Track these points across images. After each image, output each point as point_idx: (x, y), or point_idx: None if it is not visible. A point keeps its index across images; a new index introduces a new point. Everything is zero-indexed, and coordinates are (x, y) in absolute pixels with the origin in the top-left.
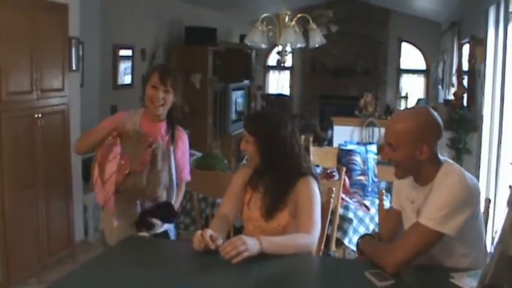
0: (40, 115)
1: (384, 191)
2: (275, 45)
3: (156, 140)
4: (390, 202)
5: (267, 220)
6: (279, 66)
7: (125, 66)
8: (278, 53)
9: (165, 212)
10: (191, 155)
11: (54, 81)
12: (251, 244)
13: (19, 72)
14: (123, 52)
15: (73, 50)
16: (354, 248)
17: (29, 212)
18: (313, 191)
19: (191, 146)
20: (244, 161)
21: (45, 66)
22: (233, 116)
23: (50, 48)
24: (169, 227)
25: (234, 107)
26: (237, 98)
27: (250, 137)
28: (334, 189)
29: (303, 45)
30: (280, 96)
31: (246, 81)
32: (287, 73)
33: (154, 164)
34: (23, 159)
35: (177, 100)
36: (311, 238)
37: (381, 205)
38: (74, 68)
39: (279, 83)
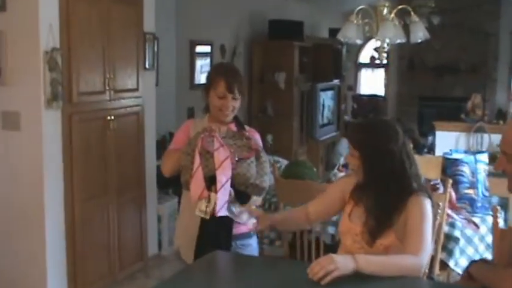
0: (113, 117)
1: (498, 207)
2: (368, 40)
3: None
4: (505, 220)
5: (369, 241)
6: (373, 64)
7: (202, 64)
8: (375, 49)
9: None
10: (275, 161)
11: (128, 81)
12: (342, 263)
13: (91, 70)
14: (200, 48)
15: (148, 46)
16: (460, 272)
17: (99, 222)
18: (425, 210)
19: (274, 152)
20: (335, 170)
21: (118, 64)
22: (321, 120)
23: (124, 45)
24: (250, 241)
25: (322, 110)
26: (326, 99)
27: (354, 150)
28: (440, 204)
29: (403, 40)
30: (373, 97)
31: (336, 81)
32: (381, 71)
33: (258, 155)
34: (94, 165)
35: (245, 102)
36: (420, 260)
37: (495, 223)
38: (148, 66)
39: (372, 83)
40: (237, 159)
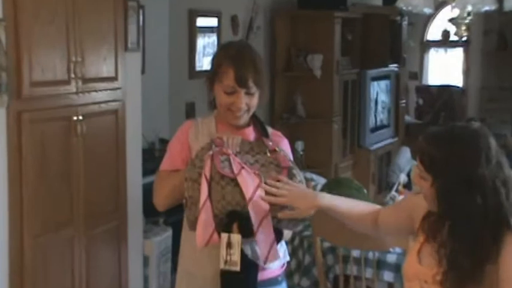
0: (81, 117)
1: None
2: (440, 9)
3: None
4: None
5: None
6: (447, 42)
7: (205, 43)
8: (451, 21)
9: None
10: (308, 179)
11: (103, 66)
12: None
13: (50, 52)
14: (203, 21)
15: (130, 18)
16: None
17: (59, 264)
18: None
19: (307, 167)
20: (393, 192)
21: (88, 43)
22: (372, 121)
23: (97, 16)
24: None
25: (373, 107)
26: (379, 92)
27: (426, 173)
28: None
29: (492, 7)
30: (446, 88)
31: (393, 66)
32: (459, 52)
33: (290, 173)
34: (54, 184)
35: (265, 97)
36: None
37: None
38: (131, 45)
39: (444, 69)
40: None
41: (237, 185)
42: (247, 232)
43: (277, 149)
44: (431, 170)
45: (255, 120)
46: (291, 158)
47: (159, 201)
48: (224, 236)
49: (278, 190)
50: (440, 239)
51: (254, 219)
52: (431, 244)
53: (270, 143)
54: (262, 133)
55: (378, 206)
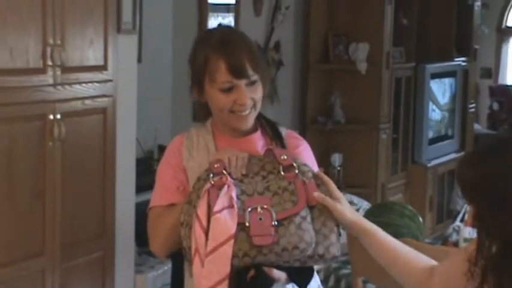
0: (59, 116)
1: None
2: None
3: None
4: None
5: None
6: None
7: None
8: None
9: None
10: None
11: (88, 52)
12: None
13: (20, 32)
14: None
15: None
16: None
17: None
18: None
19: (346, 186)
20: (457, 222)
21: (70, 23)
22: (431, 130)
23: None
24: None
25: (432, 111)
26: (440, 92)
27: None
28: None
29: None
30: None
31: (460, 60)
32: None
33: (310, 199)
34: (22, 202)
35: (267, 86)
36: None
37: None
38: (124, 26)
39: None
40: (275, 222)
41: (243, 229)
42: (265, 285)
43: (294, 164)
44: (470, 197)
45: (261, 121)
46: (314, 166)
47: (157, 248)
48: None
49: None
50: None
51: (211, 277)
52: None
53: (285, 157)
54: (273, 137)
55: (428, 260)
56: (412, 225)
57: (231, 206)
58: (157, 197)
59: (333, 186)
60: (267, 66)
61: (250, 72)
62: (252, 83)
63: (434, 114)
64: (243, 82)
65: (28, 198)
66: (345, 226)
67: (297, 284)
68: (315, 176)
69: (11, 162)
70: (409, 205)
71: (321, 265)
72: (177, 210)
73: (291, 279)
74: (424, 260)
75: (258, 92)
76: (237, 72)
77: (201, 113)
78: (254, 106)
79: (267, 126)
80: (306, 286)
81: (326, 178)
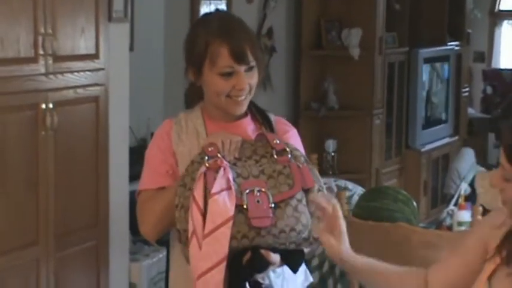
0: (51, 105)
1: None
2: None
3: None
4: None
5: None
6: None
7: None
8: None
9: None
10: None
11: (80, 41)
12: None
13: (11, 21)
14: None
15: None
16: None
17: None
18: None
19: (340, 172)
20: (451, 206)
21: (62, 11)
22: (425, 115)
23: None
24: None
25: (426, 96)
26: (434, 77)
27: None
28: None
29: None
30: None
31: (453, 44)
32: None
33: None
34: (16, 192)
35: (262, 73)
36: None
37: None
38: (116, 14)
39: None
40: (272, 205)
41: (241, 211)
42: (261, 268)
43: (287, 148)
44: None
45: (251, 107)
46: (302, 152)
47: (147, 230)
48: None
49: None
50: None
51: (209, 259)
52: (508, 269)
53: (277, 141)
54: (263, 122)
55: (419, 270)
56: (406, 209)
57: (228, 188)
58: (146, 181)
59: (340, 220)
60: (262, 52)
61: (250, 58)
62: (250, 68)
63: (428, 98)
64: (243, 68)
65: (21, 188)
66: (337, 263)
67: (290, 267)
68: (307, 161)
69: (4, 152)
70: (403, 190)
71: (314, 247)
72: (167, 194)
73: (283, 262)
74: (417, 271)
75: (254, 78)
76: (239, 57)
77: (193, 97)
78: (250, 91)
79: (257, 112)
80: (298, 269)
81: (339, 213)
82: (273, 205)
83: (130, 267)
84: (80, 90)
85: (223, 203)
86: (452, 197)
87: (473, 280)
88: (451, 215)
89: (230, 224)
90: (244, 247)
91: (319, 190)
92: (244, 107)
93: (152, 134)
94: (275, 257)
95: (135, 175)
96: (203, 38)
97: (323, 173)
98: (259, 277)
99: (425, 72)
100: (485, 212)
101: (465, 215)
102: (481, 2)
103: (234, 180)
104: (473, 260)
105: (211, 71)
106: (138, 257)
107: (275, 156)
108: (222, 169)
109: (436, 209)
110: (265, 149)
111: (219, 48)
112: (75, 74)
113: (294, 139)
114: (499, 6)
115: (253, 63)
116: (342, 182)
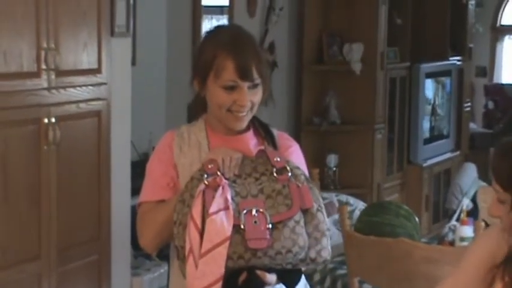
0: (53, 120)
1: None
2: None
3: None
4: None
5: None
6: None
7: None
8: None
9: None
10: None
11: (82, 55)
12: None
13: (14, 35)
14: (210, 0)
15: None
16: None
17: None
18: None
19: (342, 187)
20: (453, 221)
21: (65, 26)
22: (427, 130)
23: None
24: None
25: (428, 111)
26: (436, 91)
27: (504, 193)
28: None
29: None
30: None
31: (455, 59)
32: None
33: (304, 202)
34: (18, 206)
35: (267, 91)
36: None
37: None
38: (118, 29)
39: None
40: (269, 226)
41: (238, 231)
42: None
43: (287, 167)
44: (508, 187)
45: (254, 121)
46: (305, 170)
47: (147, 243)
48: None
49: None
50: None
51: (204, 279)
52: None
53: (278, 159)
54: (265, 137)
55: None
56: (407, 224)
57: (226, 208)
58: (147, 193)
59: None
60: (269, 70)
61: (255, 75)
62: (255, 86)
63: (431, 113)
64: (246, 84)
65: (23, 202)
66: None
67: (286, 286)
68: (307, 179)
69: (6, 167)
70: (405, 205)
71: (311, 267)
72: (167, 207)
73: (280, 280)
74: None
75: (257, 96)
76: (244, 73)
77: (197, 108)
78: (251, 109)
79: (260, 126)
80: (295, 287)
81: None
82: (270, 226)
83: (132, 281)
84: (82, 105)
85: (221, 223)
86: (454, 212)
87: None
88: (453, 230)
89: (227, 244)
90: (240, 268)
91: (318, 210)
92: (244, 123)
93: (154, 149)
94: (271, 278)
95: (137, 189)
96: (212, 49)
97: (324, 187)
98: None
99: (430, 87)
100: (488, 227)
101: (467, 230)
102: (483, 17)
103: (232, 199)
104: (483, 272)
105: (215, 83)
106: (139, 272)
107: (275, 175)
108: (220, 188)
109: (438, 224)
110: (265, 166)
111: (224, 61)
112: (78, 88)
113: (296, 155)
114: (500, 21)
115: (257, 80)
116: (344, 197)
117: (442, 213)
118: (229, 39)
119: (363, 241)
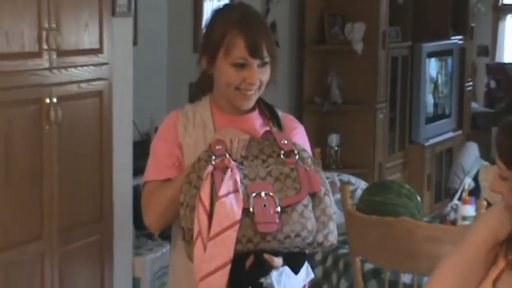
0: (55, 99)
1: None
2: None
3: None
4: None
5: None
6: None
7: (214, 8)
8: None
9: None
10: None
11: (84, 35)
12: None
13: (15, 16)
14: None
15: None
16: None
17: (26, 286)
18: None
19: (343, 167)
20: (455, 201)
21: (65, 6)
22: (428, 109)
23: None
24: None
25: (429, 91)
26: (437, 71)
27: (507, 170)
28: None
29: None
30: None
31: (457, 38)
32: None
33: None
34: (20, 186)
35: (276, 70)
36: None
37: None
38: (119, 9)
39: None
40: (278, 209)
41: (248, 214)
42: (264, 272)
43: (295, 150)
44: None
45: (259, 101)
46: (309, 152)
47: (151, 222)
48: None
49: None
50: None
51: (213, 262)
52: None
53: (285, 142)
54: (271, 118)
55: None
56: (409, 204)
57: (236, 191)
58: (152, 172)
59: None
60: (277, 51)
61: (265, 53)
62: (264, 64)
63: (432, 93)
64: (256, 62)
65: (25, 182)
66: None
67: (291, 268)
68: (314, 163)
69: (8, 147)
70: (406, 184)
71: (317, 251)
72: (173, 186)
73: (285, 263)
74: None
75: (266, 74)
76: (254, 51)
77: (204, 86)
78: (260, 87)
79: (265, 107)
80: (299, 270)
81: None
82: (278, 209)
83: (134, 261)
84: (83, 85)
85: (231, 206)
86: (456, 191)
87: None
88: (455, 209)
89: (236, 227)
90: (248, 251)
91: (325, 194)
92: (251, 102)
93: (156, 129)
94: (278, 261)
95: (138, 169)
96: (222, 26)
97: (326, 167)
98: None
99: (433, 66)
100: (489, 206)
101: (469, 210)
102: None
103: (241, 181)
104: (486, 250)
105: (225, 60)
106: (141, 252)
107: (282, 157)
108: (229, 170)
109: (439, 204)
110: (271, 148)
111: (235, 38)
112: (79, 68)
113: (301, 136)
114: (502, 0)
115: (267, 59)
116: (345, 177)
117: (444, 192)
118: (239, 16)
119: (365, 220)
